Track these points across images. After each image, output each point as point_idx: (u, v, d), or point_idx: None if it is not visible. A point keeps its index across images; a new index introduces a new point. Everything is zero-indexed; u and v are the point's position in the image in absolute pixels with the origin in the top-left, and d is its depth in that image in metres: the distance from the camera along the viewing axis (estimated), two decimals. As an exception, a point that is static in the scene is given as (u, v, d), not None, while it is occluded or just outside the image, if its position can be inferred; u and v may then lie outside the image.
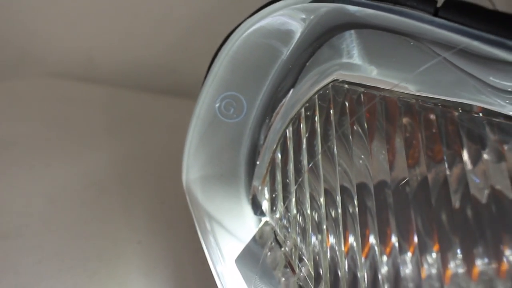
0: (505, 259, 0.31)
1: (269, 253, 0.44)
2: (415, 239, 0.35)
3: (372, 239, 0.38)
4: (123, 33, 0.82)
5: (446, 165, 0.34)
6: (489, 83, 0.32)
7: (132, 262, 0.49)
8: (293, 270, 0.43)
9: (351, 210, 0.39)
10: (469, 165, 0.33)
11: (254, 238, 0.45)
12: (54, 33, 0.85)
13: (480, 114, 0.33)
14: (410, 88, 0.35)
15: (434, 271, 0.34)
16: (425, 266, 0.34)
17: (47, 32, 0.85)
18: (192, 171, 0.46)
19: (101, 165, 0.60)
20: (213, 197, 0.46)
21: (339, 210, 0.40)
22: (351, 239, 0.39)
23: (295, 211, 0.44)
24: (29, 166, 0.59)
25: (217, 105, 0.45)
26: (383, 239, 0.37)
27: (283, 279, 0.43)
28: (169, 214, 0.54)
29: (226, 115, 0.45)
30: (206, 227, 0.45)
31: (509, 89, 0.31)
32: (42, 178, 0.58)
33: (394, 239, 0.36)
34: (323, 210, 0.41)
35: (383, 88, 0.36)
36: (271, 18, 0.40)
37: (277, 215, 0.45)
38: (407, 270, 0.35)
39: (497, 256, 0.31)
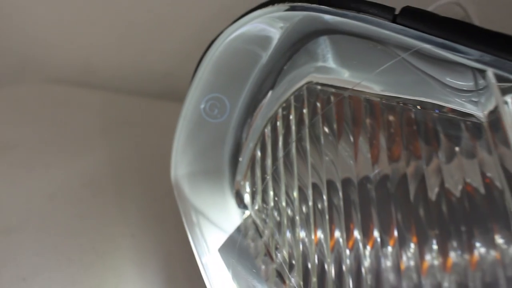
0: (476, 252, 0.33)
1: (251, 244, 0.47)
2: (395, 232, 0.36)
3: (337, 233, 0.40)
4: (118, 41, 0.84)
5: (424, 161, 0.35)
6: (446, 83, 0.34)
7: (126, 255, 0.52)
8: (271, 258, 0.45)
9: (320, 206, 0.41)
10: (444, 161, 0.35)
11: (237, 229, 0.48)
12: (53, 42, 0.87)
13: (453, 114, 0.34)
14: (375, 88, 0.38)
15: (412, 263, 0.36)
16: (404, 258, 0.36)
17: (47, 41, 0.88)
18: (179, 167, 0.49)
19: (98, 165, 0.63)
20: (199, 191, 0.49)
21: (310, 204, 0.42)
22: (319, 233, 0.41)
23: (272, 204, 0.46)
24: (30, 166, 0.62)
25: (202, 106, 0.47)
26: (348, 234, 0.39)
27: (263, 266, 0.45)
28: (160, 210, 0.57)
29: (211, 115, 0.48)
30: (193, 220, 0.48)
31: (464, 88, 0.33)
32: (41, 178, 0.60)
33: (376, 233, 0.38)
34: (296, 204, 0.43)
35: (351, 89, 0.39)
36: (250, 25, 0.43)
37: (256, 208, 0.48)
38: (388, 262, 0.37)
39: (469, 248, 0.33)
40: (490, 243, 0.32)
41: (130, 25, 0.82)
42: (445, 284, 0.34)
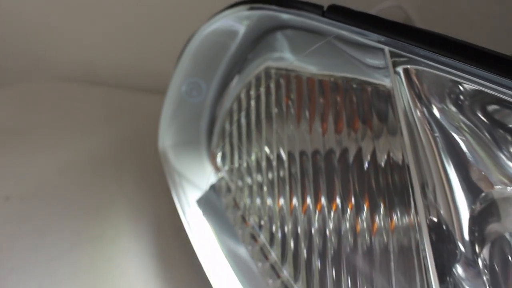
0: (412, 214, 0.39)
1: (223, 198, 0.57)
2: (353, 200, 0.43)
3: (294, 200, 0.47)
4: (117, 42, 0.94)
5: (359, 137, 0.43)
6: (367, 63, 0.42)
7: (122, 213, 0.61)
8: (246, 222, 0.54)
9: (286, 174, 0.48)
10: (375, 137, 0.42)
11: (212, 187, 0.57)
12: (60, 44, 0.97)
13: (375, 87, 0.41)
14: (313, 68, 0.48)
15: (365, 225, 0.42)
16: (359, 221, 0.42)
17: (54, 43, 0.97)
18: (165, 139, 0.59)
19: (99, 146, 0.72)
20: (182, 158, 0.58)
21: (275, 174, 0.50)
22: (290, 199, 0.48)
23: (238, 168, 0.55)
24: (42, 147, 0.72)
25: (183, 88, 0.57)
26: (303, 200, 0.46)
27: (231, 215, 0.55)
28: (151, 180, 0.66)
29: (190, 96, 0.57)
30: (176, 181, 0.57)
31: (380, 66, 0.41)
32: (51, 156, 0.70)
33: (323, 200, 0.45)
34: (263, 173, 0.51)
35: (296, 70, 0.49)
36: (221, 22, 0.52)
37: (226, 171, 0.58)
38: (348, 224, 0.43)
39: (392, 214, 0.40)
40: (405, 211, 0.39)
41: (128, 27, 0.92)
42: (390, 242, 0.40)
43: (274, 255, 0.49)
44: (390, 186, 0.40)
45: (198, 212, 0.54)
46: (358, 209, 0.42)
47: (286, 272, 0.47)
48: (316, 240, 0.44)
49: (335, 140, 0.44)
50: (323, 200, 0.44)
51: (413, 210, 0.38)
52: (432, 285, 0.36)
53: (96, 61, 0.95)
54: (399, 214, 0.40)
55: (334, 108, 0.45)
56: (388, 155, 0.40)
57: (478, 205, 0.37)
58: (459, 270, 0.38)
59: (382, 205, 0.41)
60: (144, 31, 0.90)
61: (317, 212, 0.45)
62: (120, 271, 0.54)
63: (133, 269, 0.54)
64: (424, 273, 0.37)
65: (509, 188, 0.36)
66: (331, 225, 0.44)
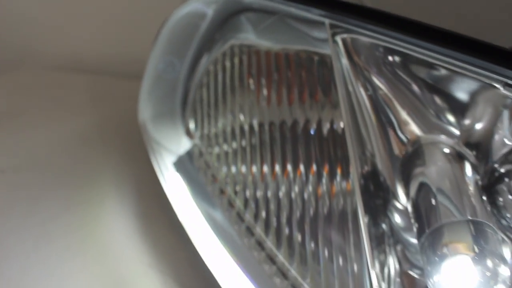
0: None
1: (196, 162, 0.63)
2: (314, 167, 0.48)
3: (265, 167, 0.53)
4: (101, 32, 1.00)
5: (320, 107, 0.48)
6: (313, 36, 0.48)
7: (108, 181, 0.67)
8: (215, 179, 0.61)
9: (256, 142, 0.53)
10: (333, 107, 0.47)
11: (187, 152, 0.64)
12: (48, 36, 1.03)
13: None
14: (269, 43, 0.54)
15: (325, 188, 0.47)
16: (321, 186, 0.47)
17: (43, 35, 1.04)
18: (145, 112, 0.65)
19: (87, 126, 0.78)
20: (159, 128, 0.64)
21: (241, 142, 0.55)
22: (261, 166, 0.53)
23: (211, 138, 0.62)
24: (33, 127, 0.78)
25: (159, 66, 0.64)
26: (272, 167, 0.52)
27: (203, 177, 0.62)
28: (133, 153, 0.72)
29: (166, 72, 0.64)
30: (155, 149, 0.63)
31: (324, 38, 0.45)
32: (43, 134, 0.75)
33: (289, 167, 0.50)
34: (234, 141, 0.57)
35: (255, 46, 0.55)
36: (192, 5, 0.58)
37: (200, 139, 0.64)
38: (310, 188, 0.48)
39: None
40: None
41: (112, 19, 0.98)
42: (347, 204, 0.45)
43: (248, 217, 0.55)
44: (345, 152, 0.44)
45: (176, 175, 0.60)
46: (319, 175, 0.47)
47: (259, 230, 0.53)
48: (284, 204, 0.50)
49: (297, 111, 0.49)
50: (289, 167, 0.49)
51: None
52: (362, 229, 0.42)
53: (82, 51, 1.01)
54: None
55: (288, 80, 0.51)
56: (331, 124, 0.47)
57: (408, 149, 0.43)
58: (393, 213, 0.44)
59: (339, 171, 0.46)
60: (127, 22, 0.96)
61: (284, 178, 0.50)
62: (106, 228, 0.60)
63: (118, 227, 0.60)
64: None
65: (434, 136, 0.42)
66: (296, 189, 0.49)
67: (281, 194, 0.50)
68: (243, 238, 0.54)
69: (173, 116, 0.65)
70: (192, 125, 0.64)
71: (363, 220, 0.41)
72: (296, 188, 0.49)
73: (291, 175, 0.49)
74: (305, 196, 0.48)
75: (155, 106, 0.63)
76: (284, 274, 0.50)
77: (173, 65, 0.61)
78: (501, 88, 0.36)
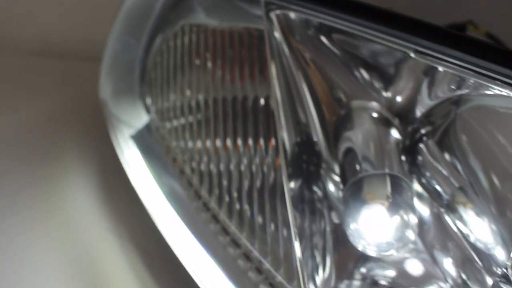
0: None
1: (153, 134, 0.66)
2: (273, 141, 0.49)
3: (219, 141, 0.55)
4: (70, 18, 1.03)
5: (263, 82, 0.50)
6: (253, 13, 0.50)
7: (73, 156, 0.71)
8: (169, 149, 0.65)
9: (211, 116, 0.56)
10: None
11: (145, 126, 0.67)
12: (17, 23, 1.06)
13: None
14: (213, 22, 0.57)
15: (270, 161, 0.49)
16: (267, 158, 0.49)
17: (11, 22, 1.06)
18: (104, 89, 0.68)
19: (54, 106, 0.81)
20: (119, 105, 0.67)
21: (192, 117, 0.59)
22: (215, 140, 0.55)
23: (165, 114, 0.65)
24: (2, 107, 0.81)
25: (117, 46, 0.67)
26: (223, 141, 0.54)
27: (160, 150, 0.65)
28: (98, 133, 0.74)
29: (123, 51, 0.67)
30: (114, 125, 0.67)
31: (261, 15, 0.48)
32: (11, 115, 0.79)
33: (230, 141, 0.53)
34: (182, 116, 0.61)
35: (203, 25, 0.59)
36: None
37: (156, 114, 0.68)
38: (269, 159, 0.50)
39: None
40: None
41: (78, 3, 1.01)
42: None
43: (204, 193, 0.57)
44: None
45: (133, 147, 0.63)
46: (266, 148, 0.50)
47: (222, 215, 0.55)
48: (235, 176, 0.52)
49: (247, 87, 0.52)
50: (239, 141, 0.52)
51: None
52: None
53: (50, 36, 1.04)
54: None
55: (236, 57, 0.53)
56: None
57: (339, 115, 0.46)
58: (326, 178, 0.47)
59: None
60: (93, 7, 0.99)
61: (235, 152, 0.53)
62: (69, 199, 0.63)
63: (80, 197, 0.64)
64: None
65: (363, 102, 0.46)
66: (245, 162, 0.52)
67: (231, 167, 0.53)
68: (195, 205, 0.56)
69: (131, 93, 0.68)
70: (149, 101, 0.67)
71: (287, 187, 0.44)
72: (245, 161, 0.51)
73: (241, 148, 0.52)
74: (253, 168, 0.50)
75: (115, 84, 0.66)
76: (236, 243, 0.52)
77: (130, 45, 0.64)
78: (413, 55, 0.39)
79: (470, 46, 0.36)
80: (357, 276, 0.44)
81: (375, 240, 0.40)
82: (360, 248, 0.41)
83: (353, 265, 0.45)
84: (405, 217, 0.40)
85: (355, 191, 0.40)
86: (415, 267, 0.43)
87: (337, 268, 0.44)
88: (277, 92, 0.46)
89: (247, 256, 0.50)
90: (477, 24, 0.74)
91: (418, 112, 0.43)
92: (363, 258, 0.44)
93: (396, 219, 0.40)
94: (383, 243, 0.40)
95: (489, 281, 0.37)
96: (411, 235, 0.40)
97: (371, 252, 0.41)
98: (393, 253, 0.41)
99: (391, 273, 0.43)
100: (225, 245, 0.52)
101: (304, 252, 0.43)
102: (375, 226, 0.40)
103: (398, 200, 0.40)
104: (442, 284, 0.42)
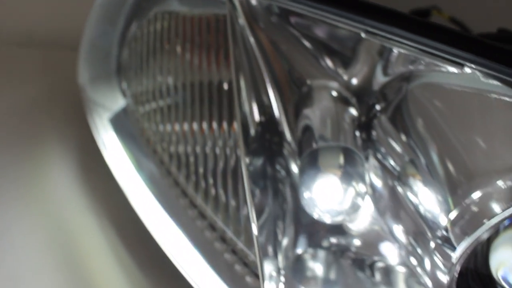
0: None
1: (129, 117, 0.68)
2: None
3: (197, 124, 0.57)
4: (53, 8, 1.05)
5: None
6: None
7: (51, 147, 0.73)
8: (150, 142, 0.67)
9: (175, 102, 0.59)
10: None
11: (122, 109, 0.69)
12: (1, 12, 1.08)
13: None
14: (184, 9, 0.59)
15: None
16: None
17: None
18: (83, 75, 0.70)
19: (38, 93, 0.83)
20: (96, 89, 0.69)
21: (167, 101, 0.61)
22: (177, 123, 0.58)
23: (138, 98, 0.67)
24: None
25: (93, 34, 0.69)
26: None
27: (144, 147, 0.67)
28: (79, 118, 0.77)
29: (100, 38, 0.69)
30: (92, 108, 0.69)
31: None
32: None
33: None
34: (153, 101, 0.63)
35: (175, 12, 0.61)
36: None
37: (132, 98, 0.70)
38: (232, 142, 0.52)
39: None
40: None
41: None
42: None
43: (182, 178, 0.59)
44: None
45: (110, 130, 0.66)
46: (229, 131, 0.52)
47: (191, 190, 0.57)
48: (210, 158, 0.55)
49: (223, 72, 0.53)
50: (214, 125, 0.54)
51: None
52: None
53: (34, 26, 1.06)
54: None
55: (201, 42, 0.55)
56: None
57: (300, 94, 0.48)
58: (287, 155, 0.48)
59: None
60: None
61: (210, 135, 0.55)
62: (49, 179, 0.66)
63: (60, 178, 0.66)
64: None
65: (323, 81, 0.48)
66: (220, 145, 0.54)
67: (207, 149, 0.55)
68: (167, 183, 0.59)
69: (108, 78, 0.70)
70: (124, 85, 0.70)
71: (244, 163, 0.46)
72: (220, 143, 0.53)
73: (216, 132, 0.53)
74: (217, 150, 0.53)
75: (93, 69, 0.69)
76: (203, 216, 0.55)
77: (108, 34, 0.66)
78: (364, 35, 0.42)
79: (414, 26, 0.39)
80: (321, 245, 0.47)
81: (328, 207, 0.42)
82: (315, 216, 0.43)
83: (315, 235, 0.47)
84: (356, 186, 0.42)
85: (310, 161, 0.43)
86: (374, 237, 0.46)
87: (299, 238, 0.47)
88: (238, 74, 0.48)
89: (213, 227, 0.53)
90: (441, 9, 0.76)
91: (374, 89, 0.45)
92: (325, 228, 0.46)
93: (347, 188, 0.42)
94: (335, 210, 0.42)
95: (433, 245, 0.39)
96: (361, 202, 0.42)
97: (326, 219, 0.42)
98: (345, 219, 0.43)
99: (352, 242, 0.46)
100: (194, 218, 0.54)
101: (264, 225, 0.45)
102: (327, 195, 0.42)
103: (350, 170, 0.42)
104: (396, 251, 0.45)
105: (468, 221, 0.36)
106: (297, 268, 0.47)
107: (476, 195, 0.35)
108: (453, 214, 0.36)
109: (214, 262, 0.51)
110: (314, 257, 0.47)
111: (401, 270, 0.45)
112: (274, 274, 0.45)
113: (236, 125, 0.50)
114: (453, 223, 0.36)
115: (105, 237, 0.60)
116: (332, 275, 0.47)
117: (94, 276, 0.57)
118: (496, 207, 0.34)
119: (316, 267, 0.48)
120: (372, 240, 0.46)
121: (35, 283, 0.55)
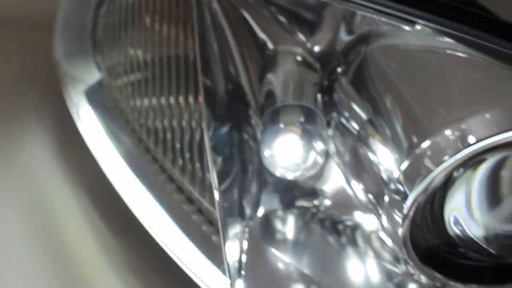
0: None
1: (106, 96, 0.69)
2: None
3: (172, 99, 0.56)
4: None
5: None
6: None
7: (30, 124, 0.74)
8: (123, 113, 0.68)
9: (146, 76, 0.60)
10: None
11: (97, 82, 0.70)
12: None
13: None
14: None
15: None
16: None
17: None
18: (58, 50, 0.71)
19: (16, 71, 0.84)
20: (72, 64, 0.70)
21: (137, 76, 0.62)
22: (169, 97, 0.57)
23: (112, 71, 0.68)
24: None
25: (69, 10, 0.70)
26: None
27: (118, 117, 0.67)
28: (57, 94, 0.78)
29: (74, 14, 0.70)
30: (68, 82, 0.70)
31: None
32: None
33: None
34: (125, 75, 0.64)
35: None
36: None
37: (106, 71, 0.71)
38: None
39: None
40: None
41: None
42: None
43: (160, 152, 0.59)
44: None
45: (85, 103, 0.66)
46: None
47: (168, 164, 0.58)
48: (187, 132, 0.55)
49: (174, 45, 0.54)
50: (190, 99, 0.54)
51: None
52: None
53: (10, 7, 1.06)
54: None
55: (169, 15, 0.55)
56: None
57: (266, 59, 0.49)
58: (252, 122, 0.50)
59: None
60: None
61: (186, 108, 0.55)
62: (27, 154, 0.67)
63: (37, 152, 0.68)
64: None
65: (288, 46, 0.49)
66: (197, 118, 0.54)
67: (174, 122, 0.55)
68: (139, 151, 0.60)
69: (84, 52, 0.71)
70: (99, 59, 0.70)
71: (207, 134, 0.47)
72: (186, 117, 0.54)
73: (193, 106, 0.53)
74: (193, 124, 0.53)
75: (68, 45, 0.70)
76: (181, 190, 0.56)
77: (81, 13, 0.68)
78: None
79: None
80: (291, 207, 0.48)
81: (287, 164, 0.43)
82: (278, 174, 0.44)
83: (284, 197, 0.49)
84: (316, 144, 0.43)
85: (271, 119, 0.44)
86: (342, 197, 0.47)
87: (267, 199, 0.49)
88: (202, 43, 0.49)
89: (190, 200, 0.54)
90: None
91: (336, 52, 0.46)
92: (294, 189, 0.48)
93: (307, 145, 0.43)
94: (295, 166, 0.43)
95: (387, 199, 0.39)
96: (320, 160, 0.43)
97: (288, 176, 0.44)
98: (304, 174, 0.44)
99: (322, 203, 0.48)
100: (163, 182, 0.55)
101: (229, 189, 0.47)
102: (287, 151, 0.43)
103: (309, 128, 0.43)
104: (361, 211, 0.47)
105: (417, 170, 0.36)
106: (265, 230, 0.49)
107: (426, 144, 0.35)
108: (404, 165, 0.37)
109: (183, 223, 0.51)
110: (283, 218, 0.49)
111: (365, 229, 0.47)
112: (238, 234, 0.47)
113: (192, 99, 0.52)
114: (404, 173, 0.37)
115: (80, 206, 0.62)
116: (301, 237, 0.49)
117: (69, 243, 0.58)
118: (444, 155, 0.35)
119: (286, 229, 0.49)
120: (341, 201, 0.47)
121: (11, 251, 0.55)
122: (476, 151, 0.35)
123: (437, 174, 0.36)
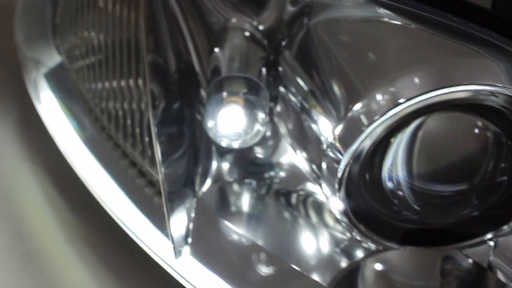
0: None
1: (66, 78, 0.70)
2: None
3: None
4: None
5: None
6: None
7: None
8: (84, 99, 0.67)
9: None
10: None
11: (58, 65, 0.70)
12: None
13: None
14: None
15: None
16: None
17: None
18: (20, 35, 0.71)
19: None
20: (33, 46, 0.70)
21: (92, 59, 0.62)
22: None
23: (72, 53, 0.68)
24: None
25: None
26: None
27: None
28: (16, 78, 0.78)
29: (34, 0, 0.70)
30: (28, 65, 0.70)
31: None
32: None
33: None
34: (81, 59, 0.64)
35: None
36: None
37: (65, 54, 0.71)
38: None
39: None
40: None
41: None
42: None
43: (113, 129, 0.59)
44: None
45: (45, 86, 0.67)
46: None
47: (121, 140, 0.58)
48: (138, 113, 0.55)
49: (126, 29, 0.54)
50: (140, 82, 0.53)
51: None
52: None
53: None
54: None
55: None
56: None
57: (215, 35, 0.50)
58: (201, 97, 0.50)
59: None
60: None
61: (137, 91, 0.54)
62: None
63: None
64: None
65: (237, 22, 0.50)
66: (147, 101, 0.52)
67: (134, 105, 0.55)
68: (95, 130, 0.61)
69: (44, 35, 0.71)
70: (58, 42, 0.71)
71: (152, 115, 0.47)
72: (137, 98, 0.54)
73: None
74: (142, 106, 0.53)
75: (28, 29, 0.70)
76: (134, 164, 0.56)
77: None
78: None
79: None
80: (245, 178, 0.49)
81: (230, 133, 0.44)
82: (223, 144, 0.44)
83: (238, 169, 0.50)
84: (258, 114, 0.43)
85: (215, 90, 0.44)
86: (294, 169, 0.48)
87: (220, 171, 0.50)
88: (152, 24, 0.49)
89: (142, 173, 0.55)
90: None
91: (282, 25, 0.47)
92: (248, 162, 0.49)
93: (250, 115, 0.43)
94: (237, 135, 0.44)
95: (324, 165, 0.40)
96: (262, 129, 0.44)
97: (234, 145, 0.44)
98: (247, 142, 0.44)
99: (277, 175, 0.49)
100: (118, 158, 0.56)
101: (177, 162, 0.48)
102: (230, 121, 0.44)
103: (252, 99, 0.44)
104: (310, 182, 0.48)
105: (350, 133, 0.37)
106: (218, 201, 0.50)
107: (357, 107, 0.36)
108: (338, 129, 0.37)
109: (135, 196, 0.53)
110: (237, 190, 0.50)
111: (317, 199, 0.48)
112: (187, 204, 0.48)
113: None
114: (339, 138, 0.38)
115: (38, 182, 0.63)
116: (255, 209, 0.50)
117: (28, 219, 0.59)
118: (374, 116, 0.37)
119: (240, 201, 0.50)
120: (295, 172, 0.48)
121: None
122: (403, 112, 0.37)
123: (368, 134, 0.37)
